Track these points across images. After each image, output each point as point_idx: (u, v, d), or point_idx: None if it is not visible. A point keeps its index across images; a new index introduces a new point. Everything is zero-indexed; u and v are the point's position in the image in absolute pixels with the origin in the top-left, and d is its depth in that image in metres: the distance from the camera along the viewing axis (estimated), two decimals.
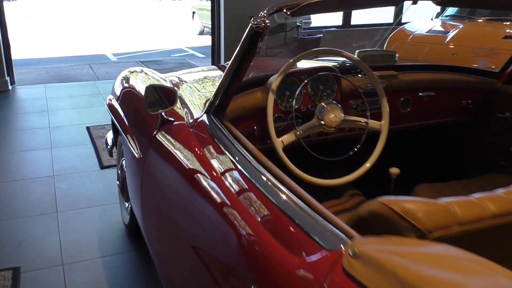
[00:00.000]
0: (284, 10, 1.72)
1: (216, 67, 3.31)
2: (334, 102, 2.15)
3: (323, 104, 2.12)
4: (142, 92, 2.52)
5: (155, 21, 14.58)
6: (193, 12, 14.11)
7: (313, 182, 1.93)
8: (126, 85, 3.01)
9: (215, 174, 1.48)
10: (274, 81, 2.05)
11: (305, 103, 2.25)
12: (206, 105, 1.87)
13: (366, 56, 2.36)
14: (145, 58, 9.90)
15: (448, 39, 5.53)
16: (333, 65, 2.40)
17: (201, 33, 13.99)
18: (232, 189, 1.34)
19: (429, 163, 2.82)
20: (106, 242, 3.00)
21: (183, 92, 2.36)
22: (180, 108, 2.14)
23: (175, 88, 2.22)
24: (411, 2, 1.95)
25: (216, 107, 1.83)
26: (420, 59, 5.53)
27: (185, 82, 2.64)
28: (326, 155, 2.09)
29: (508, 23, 5.38)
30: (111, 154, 3.47)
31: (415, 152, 2.82)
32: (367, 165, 2.07)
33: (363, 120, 2.16)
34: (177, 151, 1.78)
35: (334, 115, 2.09)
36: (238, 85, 1.86)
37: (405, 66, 2.60)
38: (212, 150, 1.60)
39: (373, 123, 2.15)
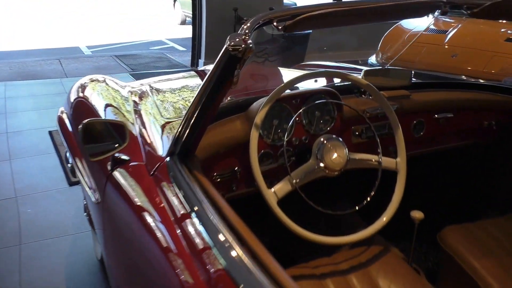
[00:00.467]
0: (275, 24, 1.23)
1: (195, 73, 2.79)
2: (335, 137, 1.66)
3: (322, 139, 1.63)
4: (98, 109, 2.12)
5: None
6: (174, 0, 13.45)
7: (319, 242, 1.57)
8: (81, 95, 2.50)
9: (174, 230, 1.27)
10: (258, 112, 1.56)
11: (297, 134, 1.77)
12: (170, 145, 1.49)
13: (375, 76, 1.86)
14: (121, 51, 9.29)
15: (447, 39, 5.07)
16: (333, 85, 1.91)
17: (183, 23, 13.34)
18: (187, 248, 1.20)
19: (452, 195, 2.37)
20: (75, 280, 2.62)
21: (146, 114, 1.87)
22: (139, 143, 1.66)
23: (123, 122, 1.72)
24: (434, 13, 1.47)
25: (181, 148, 1.44)
26: (417, 61, 5.07)
27: (150, 96, 2.14)
28: (330, 197, 1.66)
29: (504, 21, 4.93)
30: (74, 174, 2.94)
31: (434, 182, 2.36)
32: (384, 219, 1.61)
33: (374, 158, 1.68)
34: (136, 200, 1.46)
35: (337, 155, 1.61)
36: (209, 122, 1.37)
37: (419, 84, 2.12)
38: (175, 202, 1.32)
39: (387, 162, 1.68)
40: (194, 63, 7.76)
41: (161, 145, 1.62)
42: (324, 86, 1.89)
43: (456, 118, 2.14)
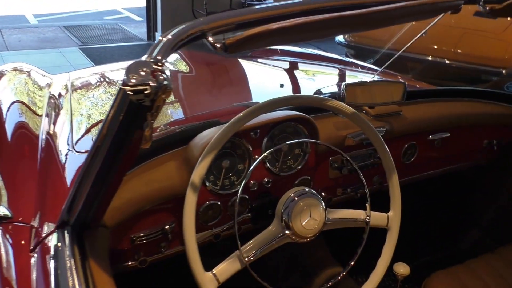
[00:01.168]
0: (210, 39, 0.75)
1: None
2: (309, 191, 1.22)
3: (291, 195, 1.19)
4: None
5: None
6: None
7: None
8: None
9: None
10: (197, 165, 1.09)
11: (256, 176, 1.32)
12: (62, 210, 1.02)
13: (359, 94, 1.41)
14: (72, 21, 8.53)
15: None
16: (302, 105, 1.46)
17: None
18: None
19: (439, 230, 2.00)
20: None
21: (54, 137, 1.40)
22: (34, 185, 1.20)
23: None
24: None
25: (77, 219, 1.01)
26: (385, 40, 4.60)
27: (68, 105, 1.66)
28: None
29: None
30: None
31: (421, 216, 1.96)
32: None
33: (359, 216, 1.25)
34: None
35: (311, 218, 1.16)
36: (113, 191, 0.92)
37: (410, 93, 1.68)
38: None
39: (377, 219, 1.27)
40: (150, 36, 7.14)
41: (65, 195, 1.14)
42: (291, 109, 1.44)
43: (453, 137, 1.73)
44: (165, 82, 0.66)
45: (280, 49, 2.63)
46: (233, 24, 0.76)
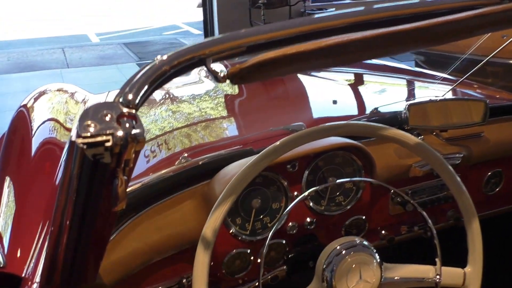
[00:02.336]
0: (211, 68, 0.50)
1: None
2: (359, 243, 0.94)
3: (337, 247, 0.91)
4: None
5: None
6: None
7: None
8: (16, 123, 1.83)
9: None
10: (214, 211, 0.84)
11: (296, 216, 1.05)
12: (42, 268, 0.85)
13: (428, 115, 1.12)
14: (132, 38, 8.63)
15: None
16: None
17: (200, 5, 12.57)
18: None
19: None
20: None
21: None
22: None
23: None
24: None
25: (64, 276, 0.76)
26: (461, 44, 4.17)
27: None
28: None
29: None
30: None
31: (502, 256, 1.62)
32: None
33: (429, 273, 0.96)
34: None
35: (361, 280, 0.89)
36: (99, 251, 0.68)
37: (494, 108, 1.36)
38: None
39: (450, 276, 0.97)
40: None
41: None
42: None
43: None
44: (136, 131, 0.45)
45: None
46: (242, 46, 0.52)
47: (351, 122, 0.97)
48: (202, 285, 0.81)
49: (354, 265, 0.88)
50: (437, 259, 0.94)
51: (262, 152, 0.84)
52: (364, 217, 1.15)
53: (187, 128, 1.46)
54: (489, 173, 1.33)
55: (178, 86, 1.98)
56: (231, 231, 1.00)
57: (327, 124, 0.88)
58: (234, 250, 1.02)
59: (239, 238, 1.01)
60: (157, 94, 1.81)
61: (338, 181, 1.02)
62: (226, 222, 0.99)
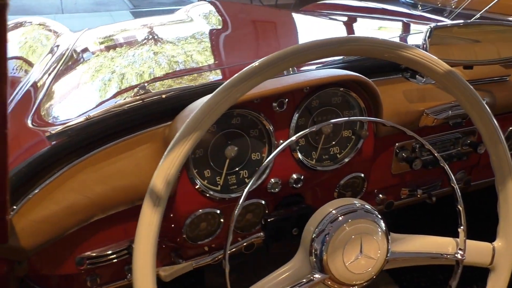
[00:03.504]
0: None
1: (210, 5, 1.86)
2: (360, 206, 0.73)
3: (333, 211, 0.71)
4: None
5: None
6: None
7: None
8: None
9: None
10: (166, 156, 0.62)
11: (281, 171, 0.84)
12: None
13: (452, 47, 0.90)
14: None
15: None
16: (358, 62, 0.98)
17: None
18: None
19: None
20: None
21: None
22: None
23: None
24: None
25: None
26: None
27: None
28: None
29: None
30: None
31: None
32: None
33: (448, 247, 0.76)
34: None
35: (362, 255, 0.69)
36: None
37: None
38: None
39: (476, 252, 0.78)
40: None
41: None
42: (338, 63, 0.95)
43: None
44: None
45: (336, 3, 2.10)
46: None
47: (358, 36, 0.72)
48: (147, 255, 0.61)
49: (353, 236, 0.68)
50: (460, 229, 0.74)
51: (239, 73, 0.61)
52: (363, 175, 0.95)
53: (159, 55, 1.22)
54: (511, 128, 1.12)
55: (163, 24, 1.75)
56: (197, 186, 0.80)
57: (322, 39, 0.65)
58: (200, 210, 0.82)
59: (207, 195, 0.81)
60: (140, 34, 1.58)
61: (333, 121, 0.79)
62: (190, 174, 0.79)
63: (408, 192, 1.10)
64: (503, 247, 0.76)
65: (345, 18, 1.96)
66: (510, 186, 0.75)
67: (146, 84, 0.89)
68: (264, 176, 0.84)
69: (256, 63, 0.60)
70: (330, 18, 1.88)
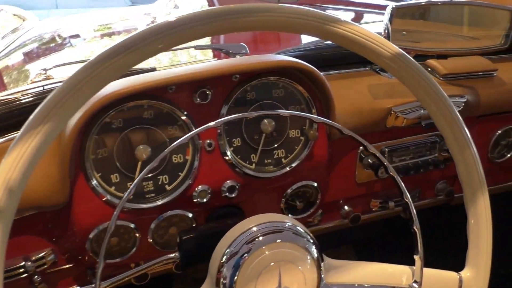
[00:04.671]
0: None
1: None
2: (290, 227, 0.57)
3: (254, 228, 0.56)
4: None
5: None
6: None
7: None
8: None
9: None
10: (7, 157, 0.45)
11: (212, 176, 0.70)
12: None
13: (421, 32, 0.76)
14: None
15: None
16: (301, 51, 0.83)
17: None
18: None
19: None
20: None
21: None
22: None
23: None
24: None
25: None
26: None
27: None
28: None
29: None
30: None
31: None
32: None
33: (402, 278, 0.60)
34: None
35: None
36: None
37: None
38: None
39: (436, 283, 0.61)
40: None
41: None
42: (295, 51, 0.81)
43: None
44: None
45: None
46: None
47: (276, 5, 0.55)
48: None
49: (272, 263, 0.53)
50: (416, 257, 0.58)
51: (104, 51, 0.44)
52: (315, 185, 0.80)
53: None
54: (499, 131, 0.97)
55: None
56: (100, 193, 0.65)
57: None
58: (106, 223, 0.67)
59: (115, 204, 0.67)
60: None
61: (261, 113, 0.62)
62: (89, 178, 0.64)
63: (379, 204, 0.95)
64: (472, 278, 0.60)
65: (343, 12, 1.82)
66: (481, 204, 0.59)
67: (44, 70, 0.75)
68: (188, 183, 0.69)
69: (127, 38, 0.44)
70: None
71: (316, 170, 0.79)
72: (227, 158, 0.71)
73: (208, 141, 0.70)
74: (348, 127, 0.78)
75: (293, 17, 0.45)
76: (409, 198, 0.57)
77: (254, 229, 0.56)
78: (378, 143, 0.87)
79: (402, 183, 0.58)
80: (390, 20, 0.74)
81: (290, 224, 0.57)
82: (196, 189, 0.70)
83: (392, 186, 0.94)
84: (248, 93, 0.72)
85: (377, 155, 0.57)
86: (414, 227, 0.58)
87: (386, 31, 0.75)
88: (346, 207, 0.90)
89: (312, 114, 0.75)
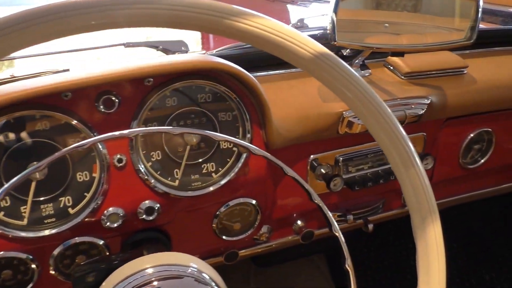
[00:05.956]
0: None
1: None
2: (190, 271, 0.49)
3: (149, 270, 0.47)
4: None
5: None
6: None
7: None
8: None
9: None
10: None
11: (122, 198, 0.59)
12: None
13: (374, 23, 0.66)
14: None
15: None
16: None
17: None
18: None
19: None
20: None
21: None
22: None
23: None
24: None
25: None
26: None
27: None
28: None
29: None
30: None
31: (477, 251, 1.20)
32: None
33: None
34: None
35: None
36: None
37: (486, 33, 0.88)
38: None
39: None
40: None
41: None
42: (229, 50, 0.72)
43: None
44: None
45: None
46: None
47: None
48: None
49: None
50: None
51: None
52: (254, 202, 0.71)
53: None
54: (472, 135, 0.87)
55: None
56: None
57: None
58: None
59: (9, 235, 0.57)
60: None
61: (157, 129, 0.51)
62: None
63: (338, 218, 0.85)
64: None
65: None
66: (431, 231, 0.49)
67: None
68: (95, 205, 0.60)
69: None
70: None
71: (254, 185, 0.69)
72: (141, 175, 0.61)
73: (118, 156, 0.60)
74: (293, 134, 0.68)
75: (179, 9, 0.35)
76: (339, 231, 0.48)
77: (149, 271, 0.46)
78: (331, 151, 0.77)
79: (329, 213, 0.48)
80: (335, 10, 0.63)
81: (195, 267, 0.47)
82: (105, 212, 0.60)
83: (352, 197, 0.84)
84: (167, 99, 0.62)
85: (296, 178, 0.48)
86: (346, 266, 0.48)
87: (331, 24, 0.65)
88: (299, 222, 0.80)
89: (245, 121, 0.65)
